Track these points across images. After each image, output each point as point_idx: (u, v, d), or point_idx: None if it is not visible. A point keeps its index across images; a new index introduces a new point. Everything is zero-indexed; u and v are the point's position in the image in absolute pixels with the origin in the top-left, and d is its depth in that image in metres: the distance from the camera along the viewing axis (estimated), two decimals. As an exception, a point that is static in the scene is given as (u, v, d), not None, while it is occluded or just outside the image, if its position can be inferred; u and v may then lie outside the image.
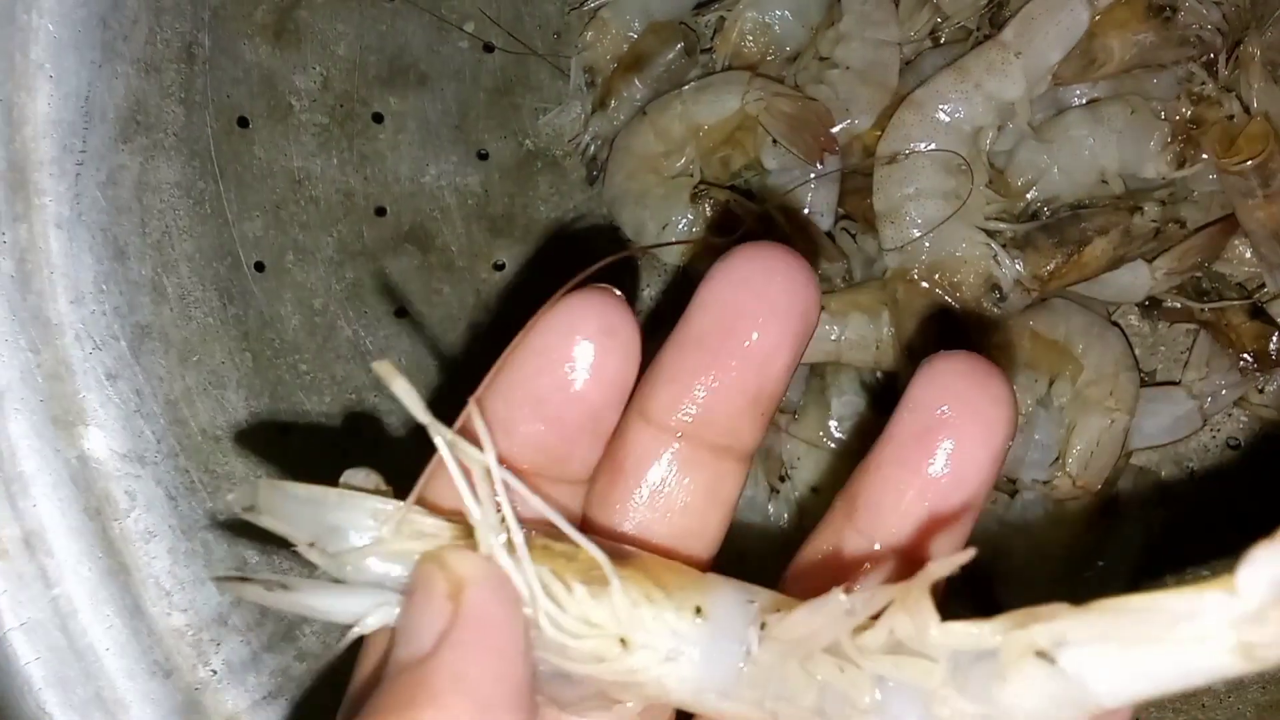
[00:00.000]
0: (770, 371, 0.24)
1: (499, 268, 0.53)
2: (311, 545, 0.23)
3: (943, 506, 0.24)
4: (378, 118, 0.50)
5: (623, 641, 0.21)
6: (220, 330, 0.44)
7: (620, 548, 0.23)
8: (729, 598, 0.22)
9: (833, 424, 0.50)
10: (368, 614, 0.22)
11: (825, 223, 0.51)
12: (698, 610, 0.21)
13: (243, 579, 0.24)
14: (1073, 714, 0.18)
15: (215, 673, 0.40)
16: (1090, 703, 0.18)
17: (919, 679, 0.19)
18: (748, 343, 0.24)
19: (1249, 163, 0.46)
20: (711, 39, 0.53)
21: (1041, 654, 0.18)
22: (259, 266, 0.46)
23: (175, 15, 0.43)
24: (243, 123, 0.45)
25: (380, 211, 0.50)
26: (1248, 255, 0.49)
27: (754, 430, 0.25)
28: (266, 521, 0.23)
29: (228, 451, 0.43)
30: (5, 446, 0.38)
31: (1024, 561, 0.49)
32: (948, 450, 0.23)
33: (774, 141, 0.50)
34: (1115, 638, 0.17)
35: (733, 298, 0.24)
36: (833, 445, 0.51)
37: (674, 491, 0.25)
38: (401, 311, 0.51)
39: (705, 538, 0.25)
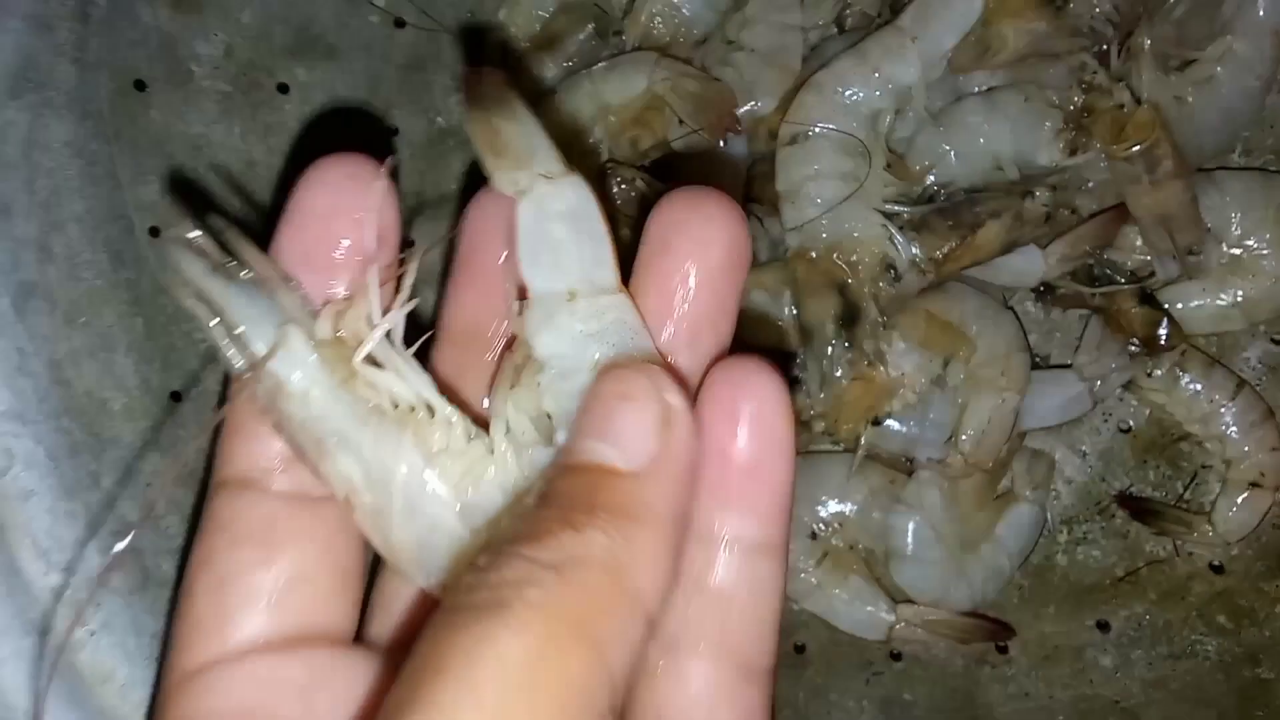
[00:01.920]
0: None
1: (408, 244, 0.53)
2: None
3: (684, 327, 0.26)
4: (283, 88, 0.50)
5: None
6: (110, 293, 0.43)
7: None
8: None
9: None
10: (284, 332, 0.25)
11: (732, 204, 0.52)
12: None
13: (190, 244, 0.25)
14: None
15: (93, 634, 0.39)
16: None
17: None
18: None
19: (1135, 149, 0.47)
20: (622, 20, 0.53)
21: None
22: (153, 231, 0.45)
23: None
24: (139, 86, 0.45)
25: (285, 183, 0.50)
26: (1139, 244, 0.51)
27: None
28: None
29: (113, 415, 0.43)
30: (-126, 400, 0.37)
31: (918, 537, 0.49)
32: (673, 269, 0.26)
33: (680, 121, 0.50)
34: None
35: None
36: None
37: None
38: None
39: None
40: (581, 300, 0.26)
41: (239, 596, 0.25)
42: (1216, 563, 0.50)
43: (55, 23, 0.42)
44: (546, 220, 0.26)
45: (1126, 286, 0.49)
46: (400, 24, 0.52)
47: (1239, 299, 0.50)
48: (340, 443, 0.25)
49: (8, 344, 0.40)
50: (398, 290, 0.26)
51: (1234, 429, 0.49)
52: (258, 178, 0.49)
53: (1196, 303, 0.50)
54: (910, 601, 0.50)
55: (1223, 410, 0.50)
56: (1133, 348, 0.50)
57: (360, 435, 0.25)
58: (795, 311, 0.49)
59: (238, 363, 0.25)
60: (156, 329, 0.45)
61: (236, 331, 0.25)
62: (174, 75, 0.46)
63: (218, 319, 0.25)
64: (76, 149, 0.42)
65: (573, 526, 0.21)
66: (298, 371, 0.25)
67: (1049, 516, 0.52)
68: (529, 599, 0.19)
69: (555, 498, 0.22)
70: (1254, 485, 0.49)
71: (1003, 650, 0.50)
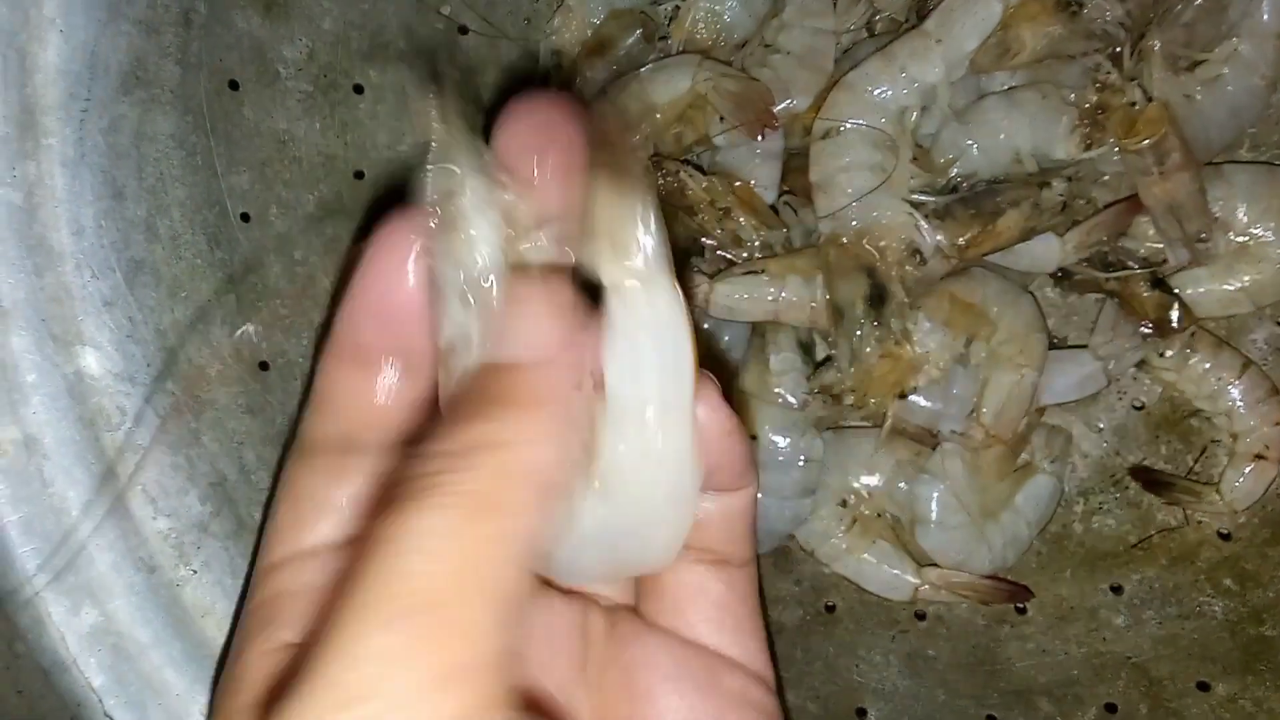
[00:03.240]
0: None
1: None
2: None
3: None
4: (358, 89, 0.54)
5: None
6: (207, 271, 0.48)
7: None
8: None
9: (771, 378, 0.55)
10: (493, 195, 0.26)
11: (769, 196, 0.56)
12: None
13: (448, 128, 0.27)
14: None
15: (195, 572, 0.44)
16: None
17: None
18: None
19: (1146, 143, 0.50)
20: (667, 26, 0.57)
21: None
22: (244, 217, 0.50)
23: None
24: (233, 85, 0.50)
25: (359, 175, 0.55)
26: (1151, 232, 0.54)
27: None
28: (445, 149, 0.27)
29: (210, 380, 0.47)
30: (9, 359, 0.42)
31: (942, 504, 0.53)
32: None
33: (720, 119, 0.54)
34: None
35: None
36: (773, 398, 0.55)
37: None
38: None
39: None
40: (651, 416, 0.26)
41: (314, 509, 0.30)
42: (1224, 530, 0.53)
43: (162, 27, 0.46)
44: (634, 326, 0.26)
45: (1139, 272, 0.53)
46: (463, 30, 0.57)
47: (1246, 284, 0.53)
48: (468, 298, 0.26)
49: (120, 314, 0.45)
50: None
51: (1241, 405, 0.53)
52: (335, 170, 0.54)
53: (1205, 287, 0.53)
54: (934, 565, 0.54)
55: (1230, 388, 0.53)
56: (1145, 329, 0.53)
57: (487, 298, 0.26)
58: (827, 293, 0.53)
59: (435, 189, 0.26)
60: (246, 305, 0.49)
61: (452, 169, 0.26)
62: (263, 76, 0.51)
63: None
64: (179, 140, 0.47)
65: (468, 419, 0.24)
66: (484, 224, 0.26)
67: (1066, 487, 0.55)
68: (439, 484, 0.23)
69: (458, 401, 0.26)
70: (1259, 458, 0.52)
71: (1021, 611, 0.54)
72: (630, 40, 0.57)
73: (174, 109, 0.47)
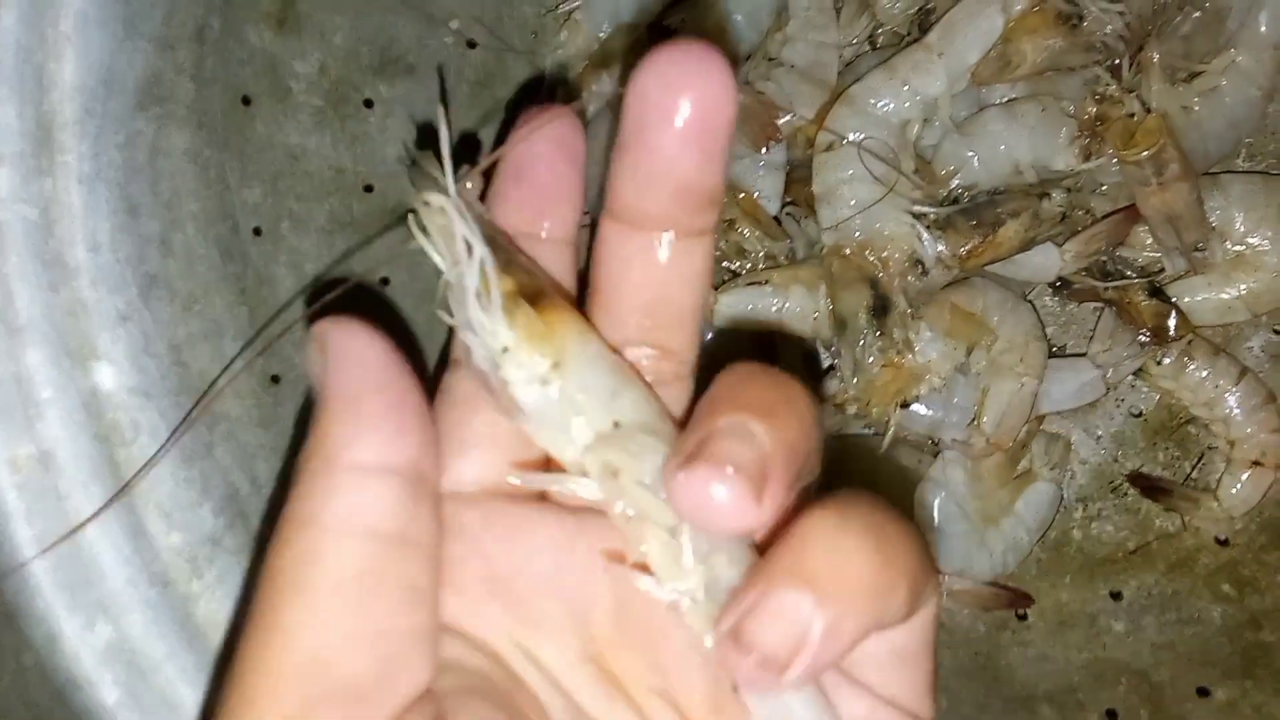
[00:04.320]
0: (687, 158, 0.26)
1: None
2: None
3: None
4: (368, 103, 0.55)
5: (504, 349, 0.26)
6: (220, 285, 0.49)
7: (553, 290, 0.28)
8: (590, 370, 0.26)
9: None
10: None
11: (773, 207, 0.57)
12: (555, 365, 0.26)
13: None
14: None
15: (209, 587, 0.45)
16: None
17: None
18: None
19: (1144, 154, 0.51)
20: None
21: None
22: (256, 231, 0.51)
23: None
24: (246, 101, 0.50)
25: (369, 189, 0.55)
26: (1149, 242, 0.55)
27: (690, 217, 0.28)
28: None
29: (223, 393, 0.48)
30: (25, 374, 0.43)
31: (944, 512, 0.54)
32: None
33: (725, 131, 0.55)
34: None
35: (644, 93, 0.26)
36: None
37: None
38: (386, 280, 0.55)
39: (682, 324, 0.29)
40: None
41: None
42: (1222, 536, 0.54)
43: (177, 43, 0.47)
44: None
45: (1137, 281, 0.54)
46: (472, 45, 0.58)
47: (1242, 292, 0.54)
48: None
49: (135, 328, 0.45)
50: None
51: (1237, 412, 0.53)
52: (345, 183, 0.54)
53: (1202, 296, 0.54)
54: (937, 571, 0.55)
55: (1227, 395, 0.54)
56: (1143, 337, 0.54)
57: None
58: (830, 304, 0.54)
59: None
60: (259, 318, 0.50)
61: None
62: (275, 91, 0.51)
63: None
64: (193, 156, 0.48)
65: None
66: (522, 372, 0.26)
67: (1065, 494, 0.56)
68: None
69: None
70: (1256, 464, 0.53)
71: (1022, 617, 0.55)
72: (636, 55, 0.58)
73: (188, 124, 0.48)
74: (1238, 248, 0.54)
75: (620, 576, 0.26)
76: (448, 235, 0.26)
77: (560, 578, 0.27)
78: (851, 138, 0.52)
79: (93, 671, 0.42)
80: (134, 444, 0.45)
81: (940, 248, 0.52)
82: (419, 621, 0.25)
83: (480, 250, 0.26)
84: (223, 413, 0.47)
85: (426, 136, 0.56)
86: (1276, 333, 0.55)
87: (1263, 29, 0.52)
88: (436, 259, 0.27)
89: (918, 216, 0.52)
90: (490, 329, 0.25)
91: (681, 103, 0.25)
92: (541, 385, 0.26)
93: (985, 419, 0.53)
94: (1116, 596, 0.54)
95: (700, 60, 0.26)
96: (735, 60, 0.57)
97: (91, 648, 0.42)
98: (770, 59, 0.56)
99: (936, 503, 0.54)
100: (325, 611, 0.24)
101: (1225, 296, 0.54)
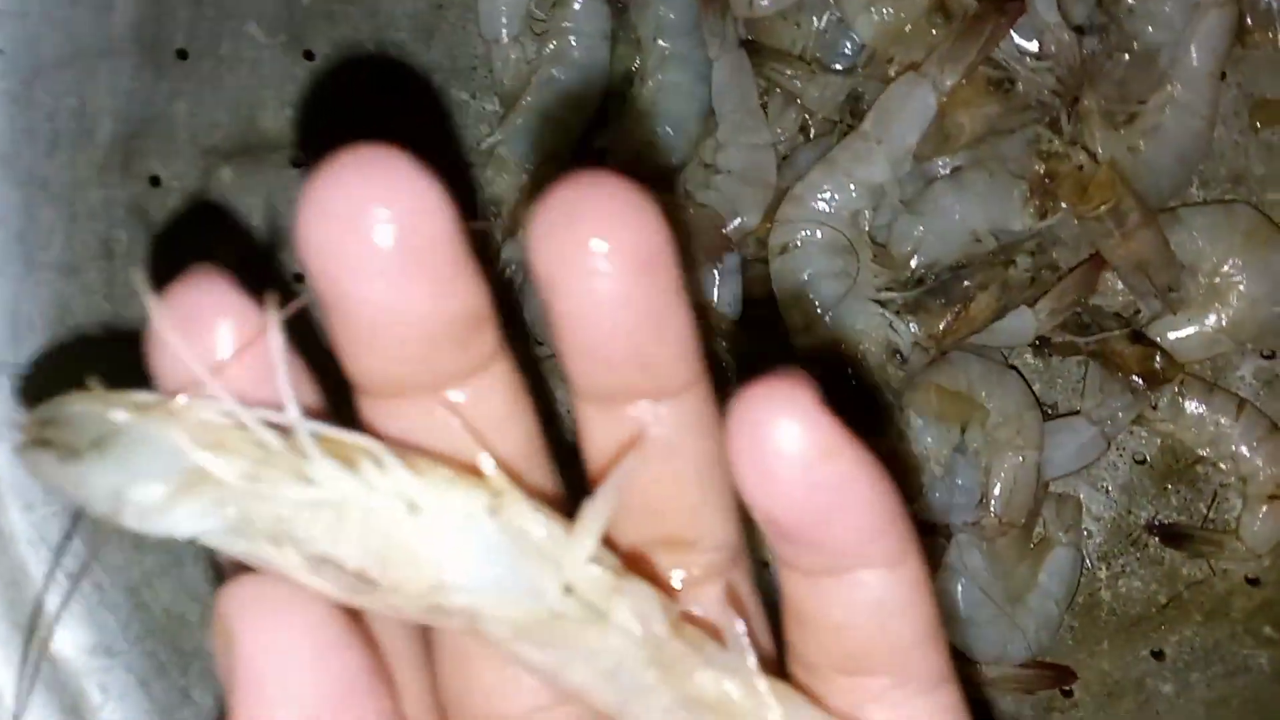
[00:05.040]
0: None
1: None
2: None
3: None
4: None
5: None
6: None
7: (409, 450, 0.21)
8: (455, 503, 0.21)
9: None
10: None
11: (733, 313, 0.54)
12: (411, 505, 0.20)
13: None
14: None
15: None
16: None
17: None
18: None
19: (1102, 208, 0.50)
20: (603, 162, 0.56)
21: None
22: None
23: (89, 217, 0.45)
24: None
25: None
26: (1119, 286, 0.54)
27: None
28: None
29: (192, 627, 0.45)
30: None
31: (969, 599, 0.52)
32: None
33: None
34: None
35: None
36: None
37: None
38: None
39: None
40: None
41: None
42: (1251, 576, 0.52)
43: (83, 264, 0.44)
44: None
45: (1117, 332, 0.52)
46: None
47: (1224, 323, 0.53)
48: None
49: (87, 582, 0.42)
50: None
51: (1243, 447, 0.52)
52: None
53: (1185, 332, 0.53)
54: (970, 662, 0.52)
55: (1229, 431, 0.52)
56: (1135, 384, 0.53)
57: None
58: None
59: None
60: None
61: None
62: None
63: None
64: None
65: None
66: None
67: (1086, 555, 0.54)
68: None
69: None
70: (1273, 498, 0.51)
71: (1068, 694, 0.52)
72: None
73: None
74: (1211, 279, 0.53)
75: None
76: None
77: None
78: (803, 235, 0.51)
79: None
80: (104, 710, 0.41)
81: (914, 331, 0.50)
82: None
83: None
84: (194, 649, 0.44)
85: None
86: (1265, 357, 0.54)
87: (1194, 61, 0.51)
88: None
89: (885, 304, 0.51)
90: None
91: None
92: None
93: (993, 499, 0.51)
94: (1159, 656, 0.52)
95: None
96: (669, 173, 0.55)
97: None
98: (706, 165, 0.54)
99: (959, 590, 0.52)
100: None
101: (1208, 329, 0.53)
